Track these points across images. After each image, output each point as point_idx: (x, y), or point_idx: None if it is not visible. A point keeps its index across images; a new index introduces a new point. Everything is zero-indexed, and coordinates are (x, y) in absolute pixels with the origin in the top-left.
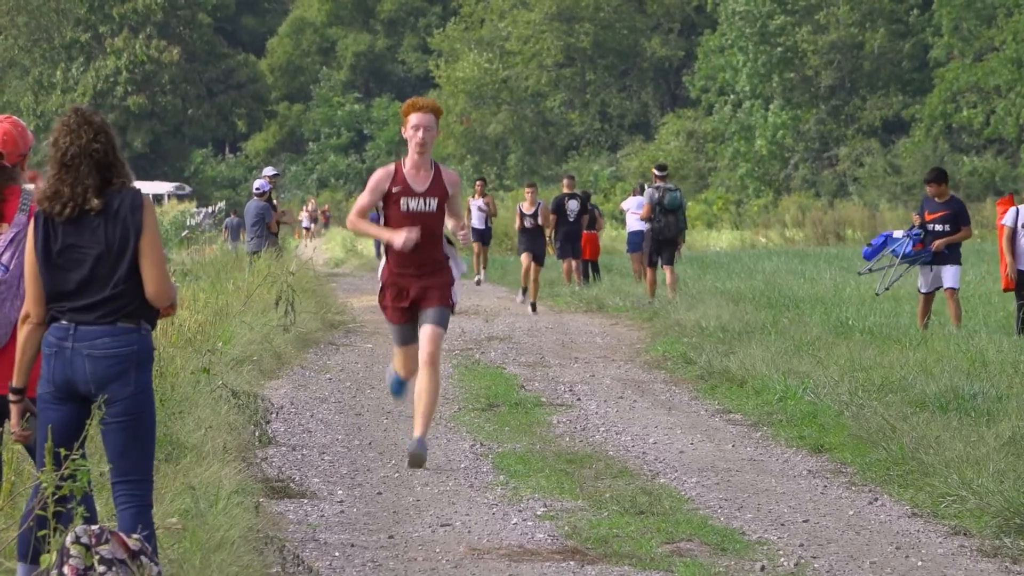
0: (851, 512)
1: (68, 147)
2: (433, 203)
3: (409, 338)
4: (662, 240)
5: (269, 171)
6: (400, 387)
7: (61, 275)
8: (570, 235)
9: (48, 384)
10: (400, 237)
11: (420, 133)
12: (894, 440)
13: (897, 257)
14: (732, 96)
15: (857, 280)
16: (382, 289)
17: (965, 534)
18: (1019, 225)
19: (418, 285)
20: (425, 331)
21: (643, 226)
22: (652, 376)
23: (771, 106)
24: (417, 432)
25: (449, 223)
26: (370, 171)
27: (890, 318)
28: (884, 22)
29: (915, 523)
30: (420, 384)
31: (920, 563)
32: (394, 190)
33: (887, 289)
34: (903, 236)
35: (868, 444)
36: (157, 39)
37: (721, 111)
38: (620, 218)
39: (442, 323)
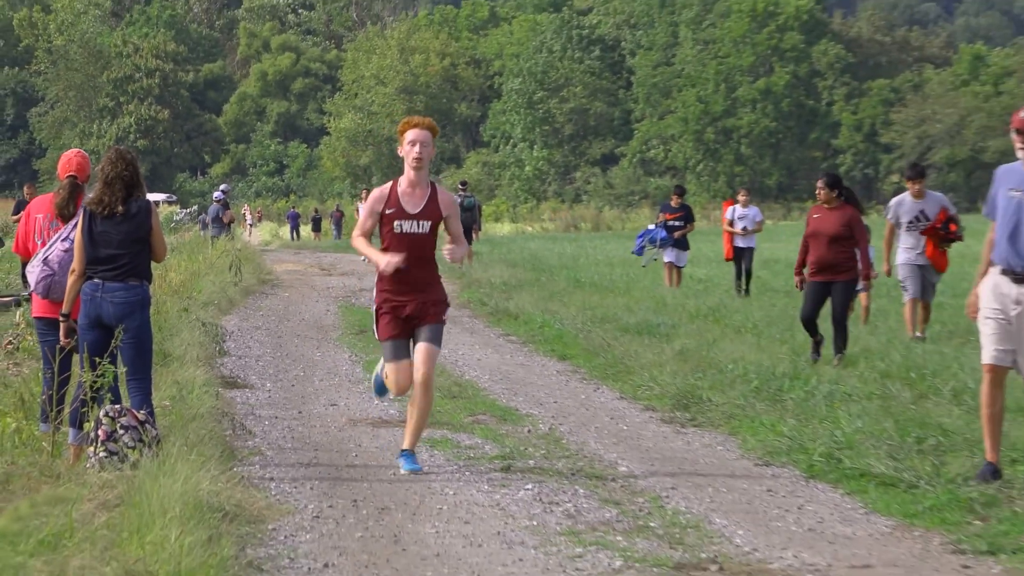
0: (583, 396)
1: (109, 172)
2: (426, 225)
3: (401, 353)
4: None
5: (223, 186)
6: (383, 389)
7: (97, 249)
8: None
9: (86, 318)
10: (383, 262)
11: (417, 148)
12: (609, 352)
13: (656, 242)
14: (511, 140)
15: (588, 254)
16: (377, 316)
17: (653, 410)
18: (735, 217)
19: (414, 303)
20: (420, 350)
21: None
22: (461, 313)
23: (534, 147)
24: (405, 444)
25: (447, 246)
26: (287, 188)
27: (607, 278)
28: (603, 96)
29: (622, 403)
30: (414, 402)
31: (625, 427)
32: (387, 211)
33: (652, 261)
34: (656, 227)
35: (593, 354)
36: (155, 105)
37: (504, 150)
38: None
39: (437, 341)
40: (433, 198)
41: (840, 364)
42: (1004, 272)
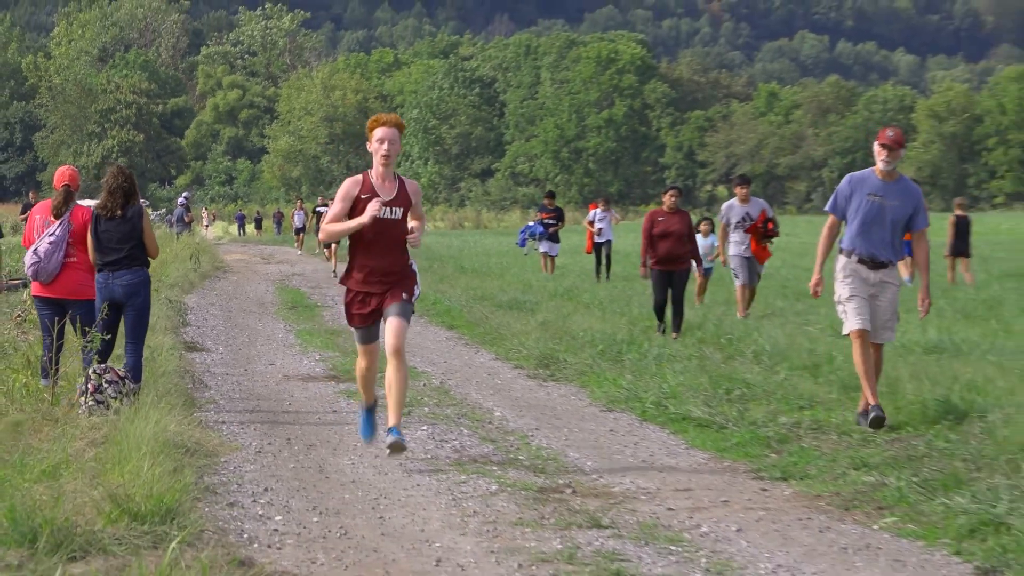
0: (467, 358)
1: (112, 184)
2: (398, 212)
3: (371, 337)
4: None
5: (185, 194)
6: (370, 430)
7: (102, 244)
8: None
9: (102, 302)
10: (370, 209)
11: (385, 146)
12: (487, 323)
13: (535, 235)
14: (410, 158)
15: (470, 247)
16: (348, 305)
17: (521, 368)
18: (596, 219)
19: (381, 291)
20: (390, 324)
21: None
22: None
23: (428, 163)
24: (391, 421)
25: (413, 226)
26: (236, 195)
27: (485, 265)
28: (483, 123)
29: (497, 363)
30: (389, 375)
31: (499, 382)
32: (363, 196)
33: (533, 251)
34: (534, 224)
35: (475, 325)
36: (132, 130)
37: (404, 165)
38: None
39: (405, 315)
40: (402, 187)
41: (679, 338)
42: (861, 261)
